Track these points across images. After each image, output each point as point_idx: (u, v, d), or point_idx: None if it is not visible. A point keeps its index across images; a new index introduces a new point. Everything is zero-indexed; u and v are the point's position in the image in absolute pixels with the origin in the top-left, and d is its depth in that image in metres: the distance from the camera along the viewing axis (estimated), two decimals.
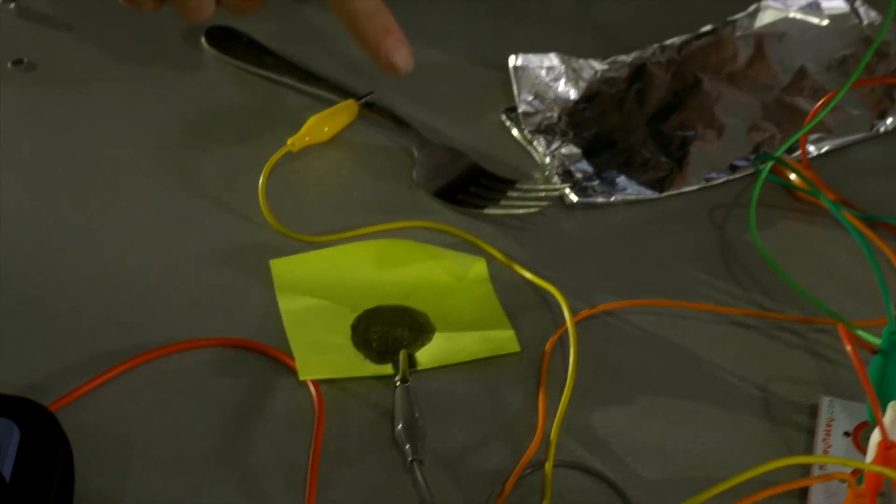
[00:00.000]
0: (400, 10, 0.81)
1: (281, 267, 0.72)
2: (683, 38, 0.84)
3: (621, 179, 0.76)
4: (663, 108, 0.81)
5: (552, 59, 0.81)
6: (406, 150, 0.78)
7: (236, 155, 0.78)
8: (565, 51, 0.82)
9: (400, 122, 0.79)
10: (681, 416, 0.65)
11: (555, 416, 0.64)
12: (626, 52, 0.83)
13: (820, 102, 0.77)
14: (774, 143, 0.78)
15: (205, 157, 0.78)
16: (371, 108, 0.79)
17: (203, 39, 0.84)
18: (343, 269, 0.72)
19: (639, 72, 0.82)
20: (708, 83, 0.81)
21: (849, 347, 0.59)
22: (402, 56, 0.67)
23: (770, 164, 0.74)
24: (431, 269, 0.72)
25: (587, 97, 0.81)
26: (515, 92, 0.80)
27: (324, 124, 0.78)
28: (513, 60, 0.80)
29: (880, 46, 0.82)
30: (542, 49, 0.82)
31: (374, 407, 0.65)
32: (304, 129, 0.77)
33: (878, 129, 0.79)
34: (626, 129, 0.80)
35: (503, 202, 0.75)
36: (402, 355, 0.67)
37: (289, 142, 0.77)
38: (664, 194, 0.76)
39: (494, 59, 0.83)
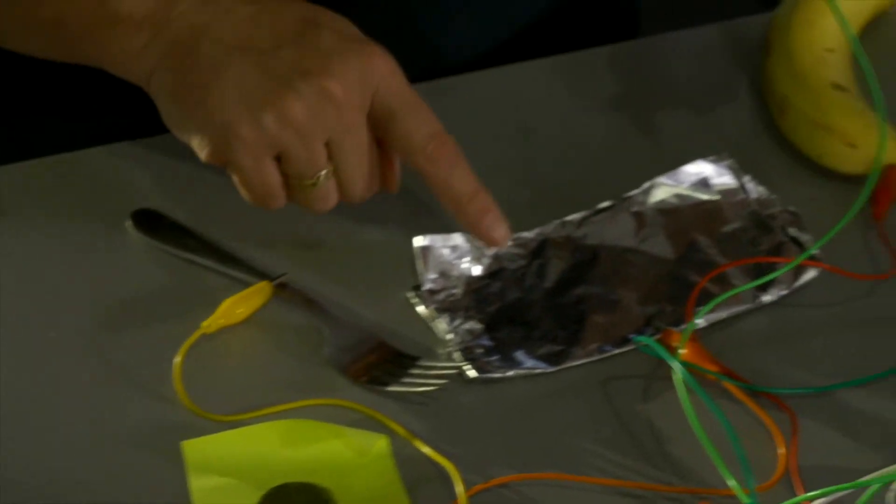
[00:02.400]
0: None
1: (193, 448, 0.76)
2: (583, 214, 0.88)
3: (520, 354, 0.81)
4: (562, 282, 0.85)
5: (456, 239, 0.86)
6: (318, 328, 0.82)
7: (155, 336, 0.82)
8: None
9: (310, 302, 0.83)
10: None
11: None
12: (529, 228, 0.87)
13: (705, 278, 0.82)
14: (665, 316, 0.83)
15: (125, 339, 0.82)
16: (284, 289, 0.84)
17: (129, 222, 0.88)
18: (252, 449, 0.76)
19: (541, 247, 0.87)
20: (605, 258, 0.86)
21: None
22: (500, 232, 0.81)
23: (650, 343, 0.78)
24: (336, 447, 0.76)
25: (491, 273, 0.85)
26: (420, 271, 0.84)
27: (238, 306, 0.82)
28: (418, 241, 0.85)
29: (765, 221, 0.87)
30: (451, 226, 0.86)
31: None
32: (218, 312, 0.82)
33: (760, 301, 0.84)
34: (527, 303, 0.84)
35: (405, 380, 0.79)
36: None
37: (203, 324, 0.81)
38: (560, 367, 0.81)
39: (405, 236, 0.87)
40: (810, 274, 0.84)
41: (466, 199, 0.80)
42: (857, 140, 0.90)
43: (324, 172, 0.79)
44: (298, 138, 0.77)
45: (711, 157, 0.90)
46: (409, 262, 0.86)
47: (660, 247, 0.87)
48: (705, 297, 0.83)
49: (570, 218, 0.88)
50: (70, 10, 0.82)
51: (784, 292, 0.84)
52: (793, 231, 0.86)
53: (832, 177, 0.91)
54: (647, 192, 0.89)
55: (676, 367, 0.75)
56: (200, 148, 0.79)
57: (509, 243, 0.86)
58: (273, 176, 0.79)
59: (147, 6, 0.80)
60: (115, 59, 0.82)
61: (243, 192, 0.81)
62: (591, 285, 0.85)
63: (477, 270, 0.85)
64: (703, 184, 0.89)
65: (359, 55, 0.78)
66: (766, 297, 0.84)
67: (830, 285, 0.85)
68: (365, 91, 0.78)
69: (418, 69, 0.95)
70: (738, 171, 0.90)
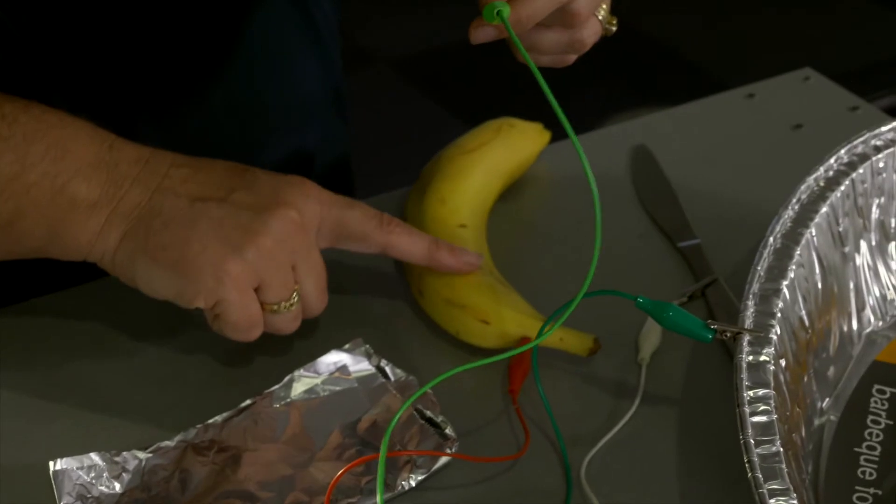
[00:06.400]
0: None
1: None
2: (226, 415, 0.88)
3: None
4: (206, 489, 0.84)
5: (92, 459, 0.84)
6: None
7: None
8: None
9: None
10: None
11: None
12: (170, 436, 0.87)
13: (344, 469, 0.83)
14: None
15: None
16: None
17: None
18: None
19: (183, 455, 0.86)
20: (248, 460, 0.86)
21: None
22: (470, 256, 0.93)
23: None
24: None
25: (131, 490, 0.84)
26: (57, 497, 0.83)
27: None
28: (52, 466, 0.83)
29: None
30: (87, 446, 0.85)
31: None
32: None
33: (402, 488, 0.84)
34: None
35: None
36: None
37: None
38: None
39: (42, 460, 0.85)
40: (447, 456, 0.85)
41: (434, 247, 0.91)
42: (488, 316, 0.92)
43: (295, 294, 0.86)
44: (275, 266, 0.85)
45: (347, 346, 0.91)
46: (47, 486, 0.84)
47: (302, 442, 0.87)
48: (352, 490, 0.83)
49: (212, 420, 0.88)
50: (28, 203, 0.85)
51: (422, 477, 0.85)
52: (429, 413, 0.87)
53: (473, 352, 0.93)
54: (288, 385, 0.89)
55: None
56: (193, 295, 0.84)
57: (147, 455, 0.85)
58: (257, 306, 0.86)
59: (99, 188, 0.85)
60: (73, 245, 0.86)
61: (229, 329, 0.86)
62: (232, 494, 0.84)
63: (118, 488, 0.84)
64: (343, 372, 0.90)
65: (293, 184, 0.87)
66: (406, 484, 0.84)
67: (469, 465, 0.86)
68: (313, 212, 0.87)
69: None
70: (373, 357, 0.91)
